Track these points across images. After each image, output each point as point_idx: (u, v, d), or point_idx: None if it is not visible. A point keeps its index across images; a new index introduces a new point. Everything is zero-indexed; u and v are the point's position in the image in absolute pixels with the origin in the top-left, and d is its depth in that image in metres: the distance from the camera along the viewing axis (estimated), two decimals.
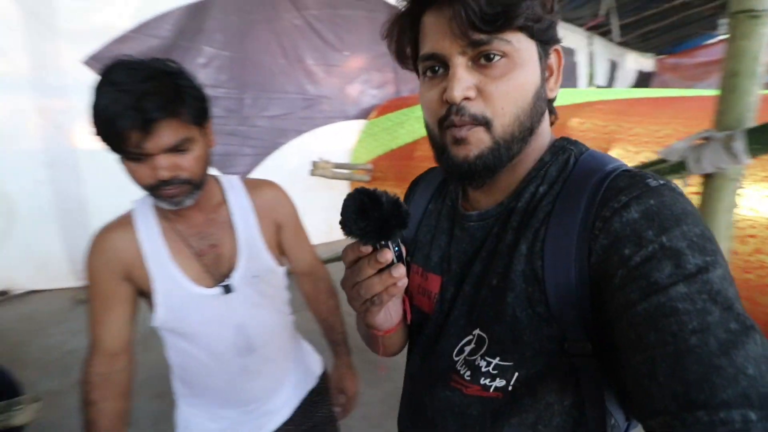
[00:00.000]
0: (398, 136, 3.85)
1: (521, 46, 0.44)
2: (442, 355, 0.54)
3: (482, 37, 0.43)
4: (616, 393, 0.44)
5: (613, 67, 8.26)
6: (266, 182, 0.96)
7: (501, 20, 0.42)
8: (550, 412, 0.45)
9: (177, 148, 0.71)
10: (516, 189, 0.51)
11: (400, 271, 0.44)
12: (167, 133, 0.69)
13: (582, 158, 0.49)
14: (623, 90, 5.85)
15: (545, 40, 0.47)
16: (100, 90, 0.67)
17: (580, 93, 3.36)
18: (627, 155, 2.30)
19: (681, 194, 0.41)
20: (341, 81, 4.31)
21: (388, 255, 0.43)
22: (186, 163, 0.73)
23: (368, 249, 0.43)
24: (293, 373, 1.01)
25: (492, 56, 0.44)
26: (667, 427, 0.32)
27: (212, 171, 0.85)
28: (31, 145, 2.83)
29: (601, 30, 7.17)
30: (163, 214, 0.83)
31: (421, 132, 3.37)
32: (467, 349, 0.51)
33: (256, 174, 3.72)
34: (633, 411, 0.42)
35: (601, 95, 3.28)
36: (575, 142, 0.52)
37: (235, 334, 0.88)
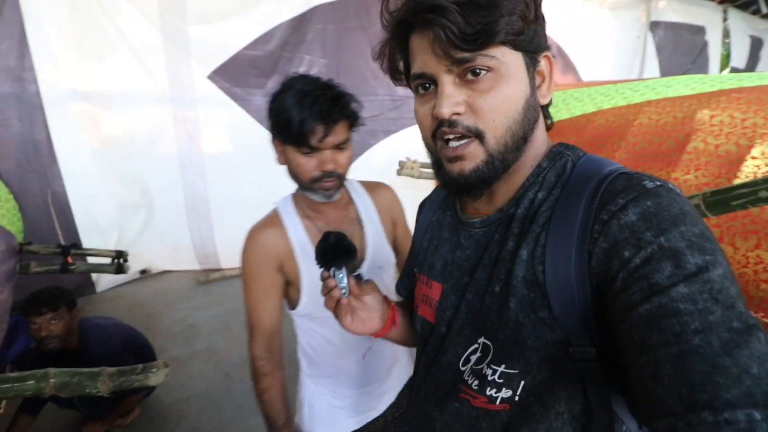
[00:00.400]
0: None
1: (506, 59, 0.45)
2: (448, 365, 0.54)
3: (465, 55, 0.44)
4: (627, 399, 0.43)
5: (756, 45, 6.87)
6: (381, 184, 1.06)
7: (481, 39, 0.43)
8: (560, 421, 0.45)
9: (340, 146, 0.83)
10: (515, 195, 0.51)
11: (334, 294, 0.61)
12: (339, 132, 0.82)
13: (579, 163, 0.49)
14: None
15: (531, 50, 0.47)
16: (290, 96, 0.79)
17: (712, 79, 2.85)
18: None
19: (679, 194, 0.41)
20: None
21: (329, 282, 0.62)
22: (343, 160, 0.85)
23: (325, 273, 0.61)
24: (401, 358, 1.10)
25: (478, 71, 0.45)
26: (673, 429, 0.32)
27: None
28: (168, 150, 3.38)
29: (738, 2, 6.05)
30: (303, 213, 0.93)
31: None
32: (473, 358, 0.51)
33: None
34: (639, 414, 0.41)
35: (739, 81, 2.75)
36: (572, 147, 0.52)
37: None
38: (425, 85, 0.48)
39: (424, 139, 0.51)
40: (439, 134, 0.48)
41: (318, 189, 0.86)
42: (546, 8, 0.48)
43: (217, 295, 3.37)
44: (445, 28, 0.42)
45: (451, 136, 0.47)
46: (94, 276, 3.38)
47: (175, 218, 3.52)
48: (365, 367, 1.01)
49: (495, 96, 0.45)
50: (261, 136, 3.59)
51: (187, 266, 3.76)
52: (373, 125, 4.08)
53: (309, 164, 0.83)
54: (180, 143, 3.36)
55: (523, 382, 0.46)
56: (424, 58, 0.47)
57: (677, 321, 0.34)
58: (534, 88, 0.48)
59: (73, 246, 2.52)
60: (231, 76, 3.32)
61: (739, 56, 6.52)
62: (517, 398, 0.46)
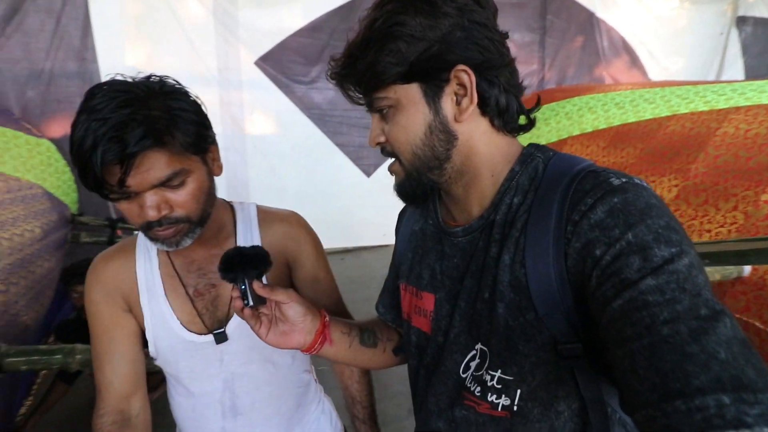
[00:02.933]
0: (541, 134, 3.46)
1: (399, 93, 0.50)
2: (449, 374, 0.55)
3: (366, 100, 0.53)
4: (619, 393, 0.44)
5: None
6: (283, 215, 0.82)
7: (366, 87, 0.51)
8: (561, 419, 0.47)
9: (167, 183, 0.60)
10: (493, 201, 0.52)
11: (237, 303, 0.59)
12: (154, 167, 0.58)
13: (550, 163, 0.50)
14: None
15: (429, 77, 0.48)
16: (78, 119, 0.56)
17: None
18: None
19: (645, 188, 0.42)
20: None
21: (233, 291, 0.59)
22: (180, 199, 0.62)
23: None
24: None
25: (381, 109, 0.52)
26: (651, 420, 0.33)
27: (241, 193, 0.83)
28: (214, 131, 3.46)
29: None
30: None
31: (571, 130, 2.98)
32: (473, 364, 0.52)
33: (383, 167, 3.84)
34: (623, 407, 0.42)
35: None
36: (542, 148, 0.53)
37: (221, 390, 0.76)
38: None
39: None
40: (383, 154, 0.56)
41: (154, 239, 0.64)
42: None
43: None
44: (346, 88, 0.53)
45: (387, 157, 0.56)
46: None
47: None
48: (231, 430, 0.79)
49: (395, 127, 0.51)
50: (303, 124, 3.60)
51: None
52: None
53: (130, 211, 0.61)
54: (225, 126, 3.41)
55: (519, 391, 0.47)
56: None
57: (647, 313, 0.35)
58: (439, 110, 0.50)
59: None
60: (277, 62, 3.33)
61: None
62: (515, 408, 0.48)
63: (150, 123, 0.56)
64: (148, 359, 0.78)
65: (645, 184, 0.42)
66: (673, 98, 2.44)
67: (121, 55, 3.03)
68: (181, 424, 0.82)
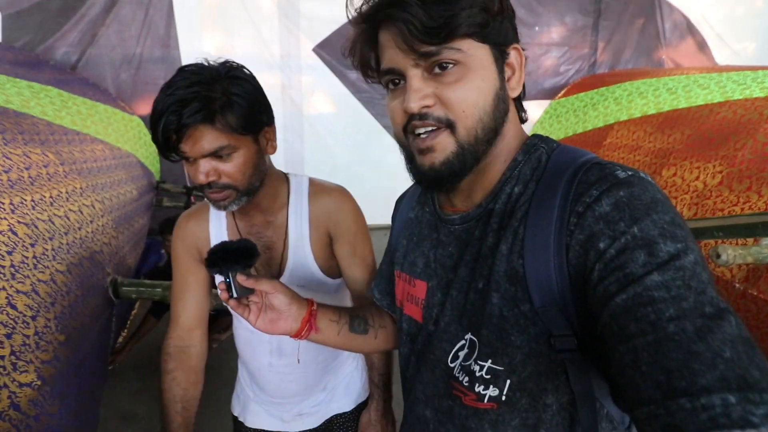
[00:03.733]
0: (587, 119, 3.40)
1: (473, 51, 0.45)
2: (437, 363, 0.54)
3: (431, 48, 0.44)
4: (610, 388, 0.44)
5: None
6: (331, 188, 0.88)
7: (444, 32, 0.43)
8: (549, 412, 0.46)
9: (216, 154, 0.69)
10: (493, 190, 0.51)
11: (223, 296, 0.62)
12: (203, 138, 0.68)
13: (554, 154, 0.49)
14: None
15: (499, 42, 0.47)
16: (160, 92, 0.68)
17: None
18: None
19: (650, 183, 0.41)
20: (527, 58, 4.11)
21: (220, 284, 0.63)
22: (227, 170, 0.71)
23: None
24: (328, 389, 0.98)
25: (445, 65, 0.45)
26: (653, 417, 0.32)
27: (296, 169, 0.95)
28: (275, 112, 3.77)
29: None
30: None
31: (619, 115, 2.95)
32: (461, 354, 0.50)
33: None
34: (621, 403, 0.42)
35: None
36: (546, 139, 0.52)
37: (269, 335, 0.86)
38: (395, 81, 0.49)
39: (396, 134, 0.51)
40: (410, 128, 0.48)
41: (209, 199, 0.75)
42: None
43: None
44: (408, 23, 0.42)
45: (422, 130, 0.47)
46: None
47: None
48: (267, 378, 0.94)
49: (464, 87, 0.45)
50: (353, 108, 3.85)
51: None
52: None
53: (191, 171, 0.72)
54: (285, 107, 3.72)
55: (509, 381, 0.46)
56: (391, 53, 0.47)
57: (652, 309, 0.34)
58: (503, 80, 0.48)
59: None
60: (332, 49, 3.55)
61: None
62: (504, 398, 0.47)
63: (207, 102, 0.66)
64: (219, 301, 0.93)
65: (650, 179, 0.42)
66: (728, 84, 2.37)
67: (199, 42, 3.39)
68: (241, 352, 0.98)
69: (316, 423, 0.99)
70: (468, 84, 0.45)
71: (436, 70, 0.45)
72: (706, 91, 2.51)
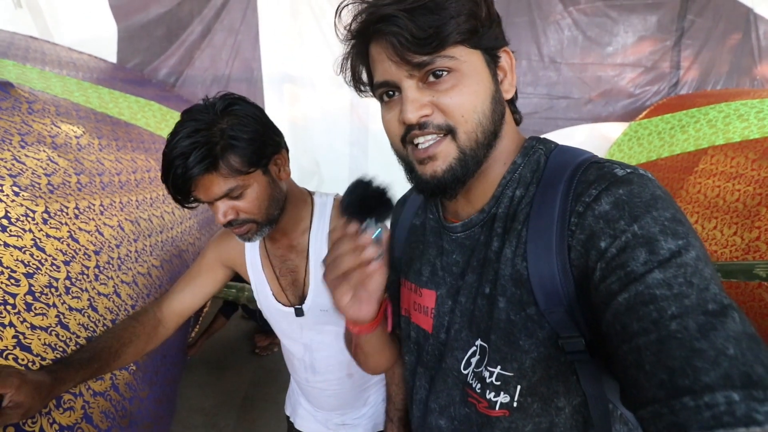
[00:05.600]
0: (675, 142, 3.12)
1: (465, 57, 0.45)
2: (449, 371, 0.53)
3: (424, 58, 0.44)
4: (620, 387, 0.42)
5: None
6: None
7: (435, 41, 0.43)
8: (562, 416, 0.45)
9: (228, 196, 0.71)
10: (494, 194, 0.51)
11: (370, 251, 0.45)
12: (213, 185, 0.69)
13: (552, 155, 0.49)
14: None
15: (490, 47, 0.47)
16: (167, 139, 0.70)
17: None
18: None
19: (650, 179, 0.40)
20: (596, 79, 3.90)
21: (365, 237, 0.45)
22: (244, 206, 0.73)
23: (352, 229, 0.46)
24: (370, 403, 1.00)
25: (439, 73, 0.45)
26: (657, 416, 0.32)
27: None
28: (342, 129, 3.93)
29: None
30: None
31: (714, 139, 2.69)
32: (473, 360, 0.50)
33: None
34: (626, 402, 0.40)
35: None
36: (544, 140, 0.52)
37: (303, 351, 0.92)
38: (389, 93, 0.49)
39: (393, 145, 0.51)
40: (409, 138, 0.47)
41: (235, 233, 0.78)
42: None
43: None
44: (398, 36, 0.43)
45: (421, 139, 0.46)
46: None
47: (338, 188, 4.08)
48: (308, 389, 0.98)
49: (461, 93, 0.45)
50: None
51: None
52: (525, 125, 3.93)
53: (212, 211, 0.74)
54: (352, 124, 3.86)
55: (519, 387, 0.46)
56: (384, 66, 0.46)
57: (654, 307, 0.34)
58: (497, 83, 0.48)
59: None
60: None
61: None
62: (515, 404, 0.46)
63: (208, 150, 0.67)
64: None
65: (650, 176, 0.41)
66: None
67: (280, 62, 3.67)
68: (287, 365, 1.04)
69: None
70: (464, 89, 0.45)
71: (431, 78, 0.45)
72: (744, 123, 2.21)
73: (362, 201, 0.47)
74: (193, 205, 0.74)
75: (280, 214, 0.80)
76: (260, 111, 0.75)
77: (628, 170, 0.41)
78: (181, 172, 0.67)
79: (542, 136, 0.54)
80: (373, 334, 0.58)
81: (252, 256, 0.90)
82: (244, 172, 0.70)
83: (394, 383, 0.92)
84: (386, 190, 0.48)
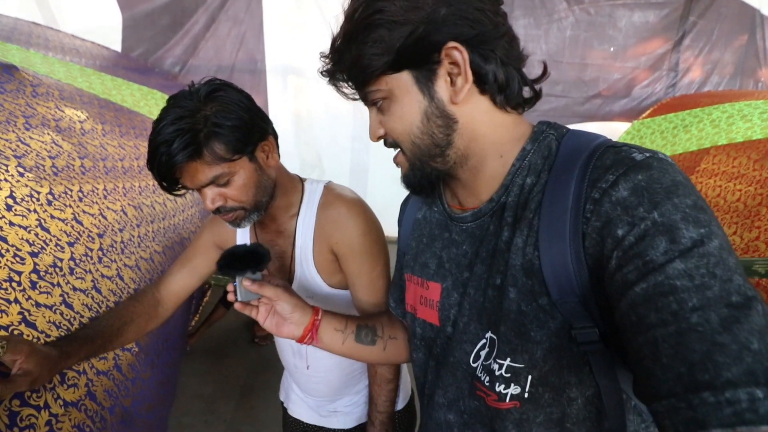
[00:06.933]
0: (678, 141, 3.11)
1: (392, 83, 0.48)
2: (458, 365, 0.52)
3: (359, 95, 0.52)
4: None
5: None
6: (343, 200, 0.84)
7: (360, 78, 0.49)
8: (575, 407, 0.44)
9: (214, 183, 0.70)
10: (503, 183, 0.50)
11: (230, 297, 0.65)
12: (198, 172, 0.69)
13: (564, 140, 0.47)
14: None
15: (416, 62, 0.46)
16: (152, 126, 0.69)
17: None
18: None
19: (670, 164, 0.39)
20: (596, 78, 3.89)
21: (229, 286, 0.65)
22: (231, 193, 0.72)
23: (230, 288, 0.65)
24: (363, 392, 1.00)
25: (376, 102, 0.50)
26: (674, 411, 0.31)
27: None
28: (344, 123, 3.93)
29: None
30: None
31: (716, 139, 2.69)
32: (483, 353, 0.49)
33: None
34: (639, 395, 0.38)
35: None
36: (554, 125, 0.50)
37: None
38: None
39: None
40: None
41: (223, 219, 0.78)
42: None
43: None
44: (338, 83, 0.52)
45: (390, 148, 0.54)
46: None
47: (339, 181, 4.09)
48: (297, 374, 0.98)
49: (391, 118, 0.50)
50: None
51: None
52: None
53: (201, 197, 0.73)
54: (355, 118, 3.85)
55: (530, 377, 0.45)
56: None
57: (674, 299, 0.33)
58: (436, 93, 0.47)
59: None
60: None
61: None
62: (526, 395, 0.45)
63: (192, 137, 0.66)
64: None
65: (670, 160, 0.39)
66: None
67: (282, 54, 3.66)
68: (278, 352, 1.03)
69: (351, 423, 1.01)
70: (392, 116, 0.49)
71: (378, 104, 0.51)
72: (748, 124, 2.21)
73: (219, 262, 0.64)
74: (181, 192, 0.74)
75: (270, 200, 0.80)
76: (246, 97, 0.74)
77: (647, 154, 0.39)
78: (165, 159, 0.66)
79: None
80: (321, 344, 0.68)
81: (243, 239, 0.91)
82: (229, 159, 0.70)
83: (376, 383, 0.90)
84: (255, 246, 0.65)
